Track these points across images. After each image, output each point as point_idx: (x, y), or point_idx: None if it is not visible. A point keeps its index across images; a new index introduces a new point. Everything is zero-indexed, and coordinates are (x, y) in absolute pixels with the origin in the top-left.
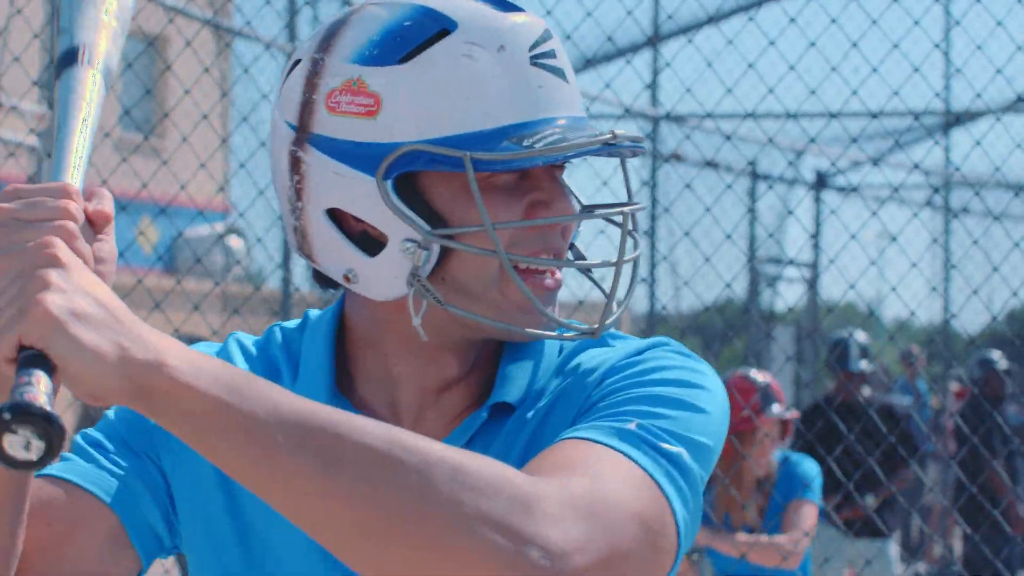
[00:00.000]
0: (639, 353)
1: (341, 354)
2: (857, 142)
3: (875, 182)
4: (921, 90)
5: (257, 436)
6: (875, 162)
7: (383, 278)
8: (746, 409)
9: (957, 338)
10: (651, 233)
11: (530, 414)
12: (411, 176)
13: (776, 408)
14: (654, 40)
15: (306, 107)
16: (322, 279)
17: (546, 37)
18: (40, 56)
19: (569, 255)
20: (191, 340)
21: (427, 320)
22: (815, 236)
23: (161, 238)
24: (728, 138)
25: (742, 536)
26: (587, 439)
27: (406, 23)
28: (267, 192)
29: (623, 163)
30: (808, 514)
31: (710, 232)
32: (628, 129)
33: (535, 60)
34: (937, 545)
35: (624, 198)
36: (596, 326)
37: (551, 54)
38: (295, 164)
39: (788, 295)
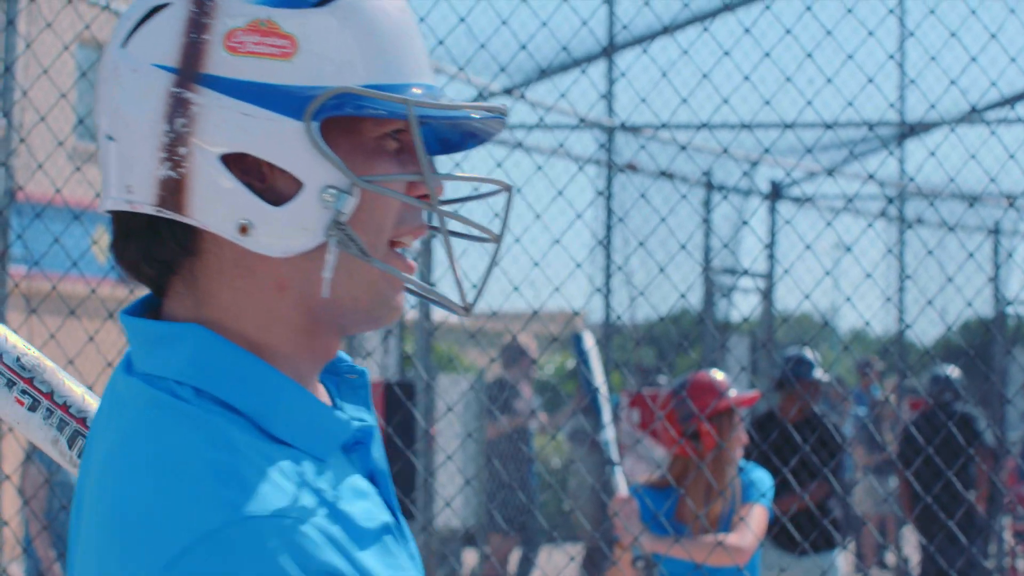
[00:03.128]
0: None
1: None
2: (812, 152)
3: (830, 193)
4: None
5: None
6: (830, 173)
7: (290, 230)
8: (722, 395)
9: (912, 349)
10: (607, 243)
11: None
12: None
13: (735, 392)
14: (609, 50)
15: (193, 47)
16: (153, 259)
17: None
18: None
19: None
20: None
21: (304, 303)
22: (770, 247)
23: None
24: (683, 148)
25: (687, 541)
26: None
27: None
28: None
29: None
30: (757, 515)
31: (665, 242)
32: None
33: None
34: (892, 554)
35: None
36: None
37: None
38: (180, 106)
39: (743, 306)
